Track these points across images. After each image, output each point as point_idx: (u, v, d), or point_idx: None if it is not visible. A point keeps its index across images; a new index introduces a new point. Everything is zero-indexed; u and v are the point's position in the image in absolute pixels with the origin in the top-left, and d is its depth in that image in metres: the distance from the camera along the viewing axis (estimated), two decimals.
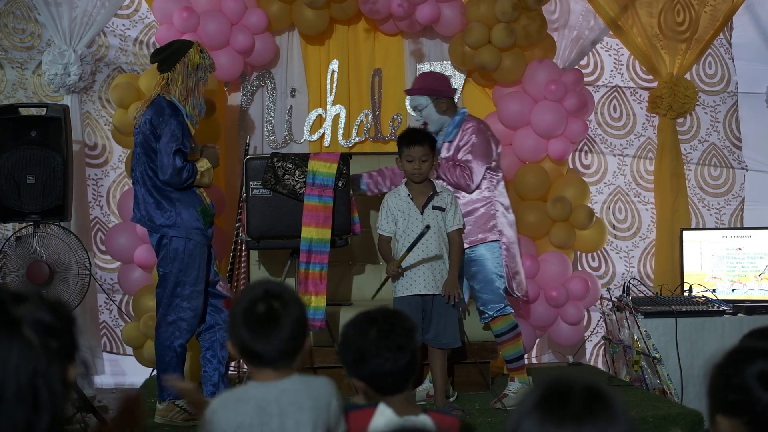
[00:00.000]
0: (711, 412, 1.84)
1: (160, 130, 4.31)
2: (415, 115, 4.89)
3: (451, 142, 4.72)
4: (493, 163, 4.75)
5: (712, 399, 1.83)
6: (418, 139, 4.40)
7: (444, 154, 4.73)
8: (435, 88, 4.74)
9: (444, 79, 4.90)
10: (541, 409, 1.43)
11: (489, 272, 4.69)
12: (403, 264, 4.36)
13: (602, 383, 1.48)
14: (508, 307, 4.73)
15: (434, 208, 4.43)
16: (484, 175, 4.70)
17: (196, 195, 4.41)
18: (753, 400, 1.76)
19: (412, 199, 4.44)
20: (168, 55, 4.42)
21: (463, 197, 4.69)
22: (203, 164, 4.42)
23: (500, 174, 4.81)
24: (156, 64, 4.48)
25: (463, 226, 4.53)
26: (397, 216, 4.44)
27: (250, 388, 2.34)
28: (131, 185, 5.52)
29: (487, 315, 4.72)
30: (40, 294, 1.73)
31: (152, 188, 4.37)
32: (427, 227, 4.28)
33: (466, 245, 4.62)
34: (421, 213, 4.42)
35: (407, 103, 4.92)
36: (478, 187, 4.70)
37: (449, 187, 4.62)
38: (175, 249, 4.35)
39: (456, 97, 5.54)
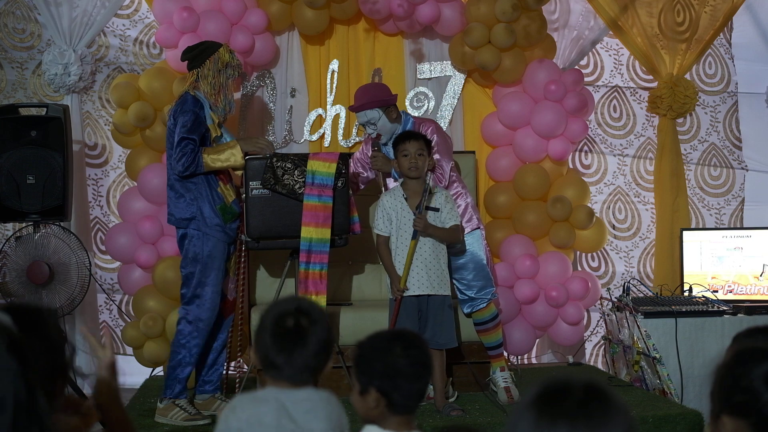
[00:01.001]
0: (715, 412, 1.84)
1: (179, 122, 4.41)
2: (370, 131, 4.85)
3: None
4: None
5: (718, 399, 1.82)
6: (413, 134, 4.49)
7: None
8: (383, 98, 4.77)
9: (386, 88, 4.94)
10: (538, 406, 1.43)
11: (479, 259, 4.75)
12: (396, 265, 4.44)
13: (604, 383, 1.47)
14: (496, 293, 4.83)
15: (428, 208, 4.44)
16: (451, 169, 4.75)
17: (218, 193, 4.46)
18: (760, 402, 1.76)
19: (406, 199, 4.47)
20: (198, 53, 4.54)
21: None
22: (223, 147, 4.44)
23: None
24: (186, 62, 4.58)
25: (461, 224, 4.58)
26: (391, 215, 4.47)
27: (269, 391, 2.32)
28: (131, 185, 5.56)
29: (481, 301, 4.74)
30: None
31: (175, 182, 4.44)
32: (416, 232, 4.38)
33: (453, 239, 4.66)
34: (414, 214, 4.43)
35: (357, 120, 4.91)
36: (449, 182, 4.73)
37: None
38: (195, 251, 4.42)
39: (462, 96, 5.52)
